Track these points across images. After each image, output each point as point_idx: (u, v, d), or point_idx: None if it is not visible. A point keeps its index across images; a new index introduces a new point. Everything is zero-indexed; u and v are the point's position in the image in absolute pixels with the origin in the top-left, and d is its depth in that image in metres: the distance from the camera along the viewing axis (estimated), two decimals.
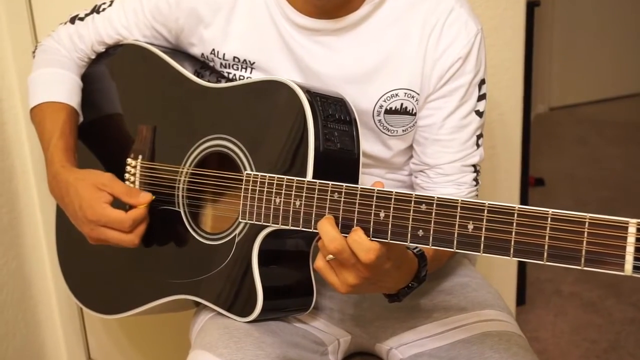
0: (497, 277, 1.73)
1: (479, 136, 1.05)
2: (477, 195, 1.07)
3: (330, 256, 0.81)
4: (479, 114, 1.03)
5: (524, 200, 1.92)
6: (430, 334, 1.02)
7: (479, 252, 0.73)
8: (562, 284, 2.24)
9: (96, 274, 1.15)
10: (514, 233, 0.71)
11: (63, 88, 1.11)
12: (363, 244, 0.79)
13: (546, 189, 2.95)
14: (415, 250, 0.89)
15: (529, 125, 1.93)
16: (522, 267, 1.98)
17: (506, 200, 1.74)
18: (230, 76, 1.06)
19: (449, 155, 1.03)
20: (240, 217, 0.94)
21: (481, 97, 1.03)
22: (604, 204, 2.77)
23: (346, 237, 0.81)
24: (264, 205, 0.91)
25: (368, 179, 1.07)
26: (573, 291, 2.21)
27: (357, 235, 0.80)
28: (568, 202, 2.81)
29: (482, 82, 1.03)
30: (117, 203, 0.99)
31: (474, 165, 1.05)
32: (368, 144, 1.04)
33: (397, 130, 1.04)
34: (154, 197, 1.01)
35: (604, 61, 4.00)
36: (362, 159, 0.95)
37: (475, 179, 1.05)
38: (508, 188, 1.74)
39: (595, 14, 3.92)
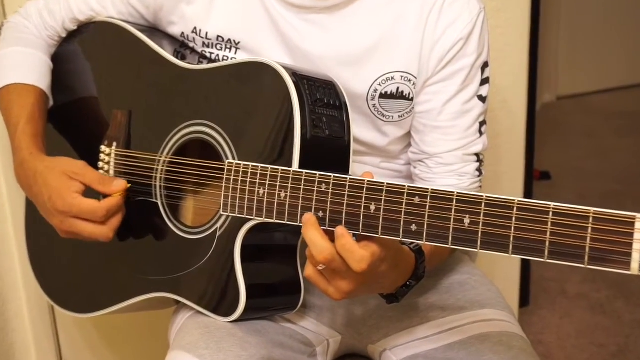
0: (498, 275, 1.73)
1: (482, 123, 1.04)
2: (480, 186, 1.06)
3: (321, 266, 0.81)
4: (482, 99, 1.03)
5: (528, 194, 1.92)
6: (426, 335, 1.01)
7: (476, 248, 0.72)
8: (568, 284, 2.25)
9: (69, 270, 1.14)
10: (513, 228, 0.70)
11: (32, 69, 1.10)
12: (355, 254, 0.79)
13: (552, 183, 2.96)
14: (412, 246, 0.89)
15: (534, 115, 1.93)
16: (525, 265, 1.99)
17: (509, 194, 1.74)
18: (213, 57, 1.05)
19: (450, 144, 1.02)
20: (221, 209, 0.93)
21: (484, 81, 1.02)
22: (612, 198, 2.78)
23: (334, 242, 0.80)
24: (246, 196, 0.90)
25: (361, 167, 1.07)
26: (580, 291, 2.22)
27: (348, 243, 0.79)
28: (574, 197, 2.81)
29: (485, 64, 1.02)
30: (90, 193, 0.98)
31: (476, 154, 1.04)
32: (362, 131, 1.04)
33: (392, 116, 1.03)
34: (129, 184, 1.00)
35: (614, 47, 3.99)
36: (355, 147, 0.94)
37: (479, 169, 1.05)
38: (511, 181, 1.73)
39: None
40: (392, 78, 1.00)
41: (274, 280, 0.98)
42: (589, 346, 1.97)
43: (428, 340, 1.01)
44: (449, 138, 1.02)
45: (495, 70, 1.08)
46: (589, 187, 2.91)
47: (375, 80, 1.00)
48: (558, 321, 2.09)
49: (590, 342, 1.99)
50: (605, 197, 2.80)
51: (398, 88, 1.01)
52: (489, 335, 0.98)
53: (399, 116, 1.03)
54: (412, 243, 0.89)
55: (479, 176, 1.05)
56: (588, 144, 3.40)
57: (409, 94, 1.01)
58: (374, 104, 1.02)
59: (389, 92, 1.01)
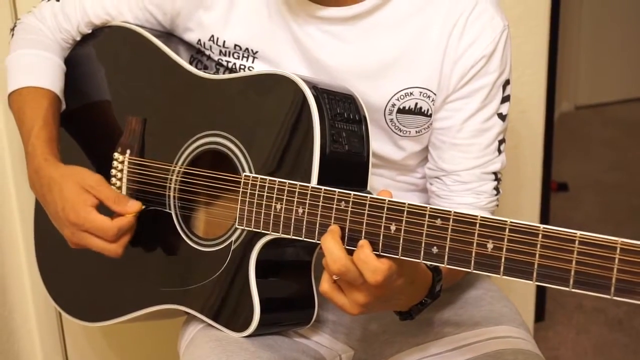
0: (514, 290, 1.73)
1: (501, 141, 1.04)
2: (497, 205, 1.06)
3: (336, 276, 0.81)
4: (502, 117, 1.03)
5: (545, 207, 1.91)
6: (439, 351, 1.02)
7: (499, 274, 0.73)
8: (585, 299, 2.24)
9: (78, 278, 1.15)
10: (537, 255, 0.70)
11: (46, 72, 1.10)
12: (369, 264, 0.79)
13: (570, 195, 2.94)
14: (428, 264, 0.89)
15: (552, 125, 1.93)
16: None
17: (526, 206, 1.75)
18: (230, 65, 1.06)
19: (468, 162, 1.02)
20: (237, 222, 0.94)
21: (505, 99, 1.03)
22: (634, 213, 2.75)
23: (352, 252, 0.80)
24: (263, 211, 0.91)
25: (377, 180, 1.07)
26: (597, 307, 2.21)
27: (364, 254, 0.80)
28: (593, 210, 2.80)
29: (507, 82, 1.03)
30: (103, 208, 0.99)
31: (494, 173, 1.04)
32: (378, 144, 1.04)
33: (409, 131, 1.03)
34: (143, 206, 1.01)
35: (636, 56, 3.97)
36: (371, 160, 0.94)
37: (496, 188, 1.05)
38: (529, 193, 1.73)
39: (628, 2, 3.89)
40: (411, 93, 1.01)
41: (288, 295, 0.98)
42: None
43: (441, 357, 1.01)
44: (467, 156, 1.02)
45: (514, 80, 1.09)
46: (610, 201, 2.88)
47: (394, 95, 1.01)
48: (574, 337, 2.08)
49: (607, 359, 1.98)
50: (626, 212, 2.77)
51: (416, 104, 1.01)
52: (504, 352, 0.98)
53: (416, 131, 1.03)
54: None
55: (496, 195, 1.05)
56: (609, 156, 3.37)
57: (428, 110, 1.02)
58: (391, 119, 1.02)
59: (407, 108, 1.01)
